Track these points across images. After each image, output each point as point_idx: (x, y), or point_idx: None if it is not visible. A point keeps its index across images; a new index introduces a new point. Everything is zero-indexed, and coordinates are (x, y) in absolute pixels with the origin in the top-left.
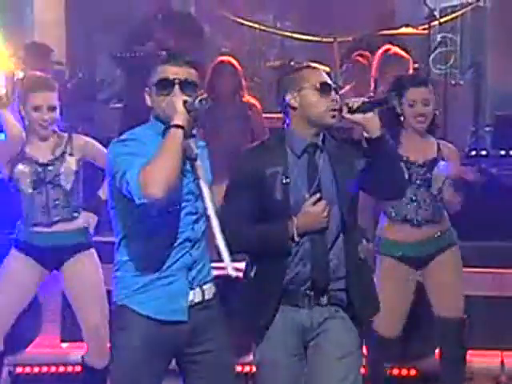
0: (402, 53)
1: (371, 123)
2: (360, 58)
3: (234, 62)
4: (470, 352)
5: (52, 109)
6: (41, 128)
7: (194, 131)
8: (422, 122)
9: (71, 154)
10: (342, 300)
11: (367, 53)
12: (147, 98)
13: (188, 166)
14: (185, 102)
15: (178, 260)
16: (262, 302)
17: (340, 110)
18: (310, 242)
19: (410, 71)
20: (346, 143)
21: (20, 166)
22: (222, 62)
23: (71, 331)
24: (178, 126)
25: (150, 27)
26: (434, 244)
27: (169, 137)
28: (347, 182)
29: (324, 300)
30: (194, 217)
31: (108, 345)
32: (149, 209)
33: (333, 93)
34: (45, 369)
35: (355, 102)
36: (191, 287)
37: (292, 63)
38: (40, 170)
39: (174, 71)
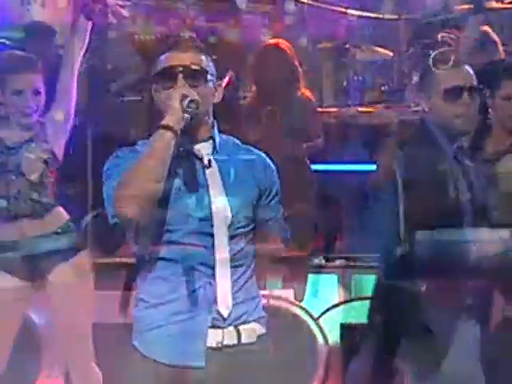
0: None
1: None
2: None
3: (285, 44)
4: None
5: (37, 93)
6: (23, 116)
7: (211, 132)
8: None
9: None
10: None
11: (455, 31)
12: (153, 94)
13: (202, 176)
14: (184, 96)
15: (194, 291)
16: None
17: None
18: None
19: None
20: None
21: None
22: (268, 45)
23: None
24: (166, 127)
25: (176, 4)
26: None
27: (153, 141)
28: None
29: None
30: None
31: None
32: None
33: None
34: None
35: None
36: (219, 326)
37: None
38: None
39: (177, 58)
